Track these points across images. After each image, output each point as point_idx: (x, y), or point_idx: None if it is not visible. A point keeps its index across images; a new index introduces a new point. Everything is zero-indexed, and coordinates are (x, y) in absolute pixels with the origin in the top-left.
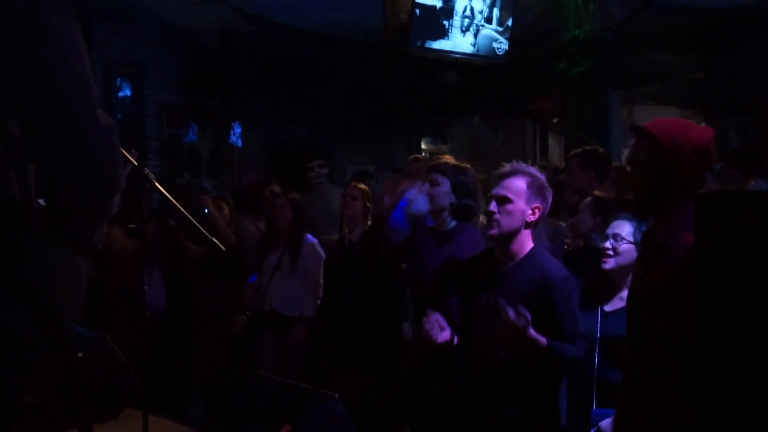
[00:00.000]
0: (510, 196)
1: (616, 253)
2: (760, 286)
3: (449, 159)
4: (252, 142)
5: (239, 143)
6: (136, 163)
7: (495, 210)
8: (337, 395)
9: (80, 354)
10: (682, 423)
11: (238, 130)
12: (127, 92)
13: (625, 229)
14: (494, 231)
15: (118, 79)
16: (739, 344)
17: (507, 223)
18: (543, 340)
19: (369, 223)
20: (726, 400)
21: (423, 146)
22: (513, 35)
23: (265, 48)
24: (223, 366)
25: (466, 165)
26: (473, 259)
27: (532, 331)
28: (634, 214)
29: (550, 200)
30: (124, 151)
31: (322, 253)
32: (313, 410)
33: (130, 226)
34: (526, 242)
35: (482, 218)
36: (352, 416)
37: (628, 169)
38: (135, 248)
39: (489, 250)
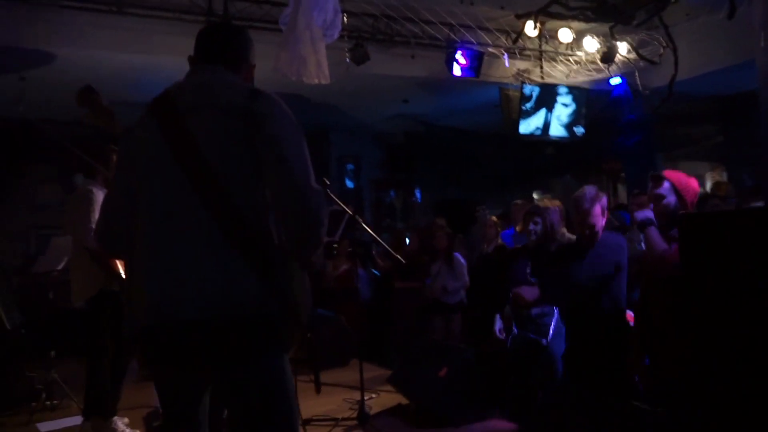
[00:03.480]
0: (595, 221)
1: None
2: (732, 287)
3: (540, 203)
4: (427, 199)
5: (419, 200)
6: (351, 213)
7: (595, 223)
8: (469, 348)
9: (316, 329)
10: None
11: (418, 192)
12: (352, 172)
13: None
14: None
15: (347, 165)
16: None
17: (598, 228)
18: None
19: (499, 241)
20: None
21: (534, 196)
22: (587, 122)
23: (432, 141)
24: (409, 334)
25: (550, 205)
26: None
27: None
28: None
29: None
30: (343, 205)
31: (464, 263)
32: (457, 359)
33: (349, 249)
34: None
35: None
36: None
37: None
38: (351, 263)
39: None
